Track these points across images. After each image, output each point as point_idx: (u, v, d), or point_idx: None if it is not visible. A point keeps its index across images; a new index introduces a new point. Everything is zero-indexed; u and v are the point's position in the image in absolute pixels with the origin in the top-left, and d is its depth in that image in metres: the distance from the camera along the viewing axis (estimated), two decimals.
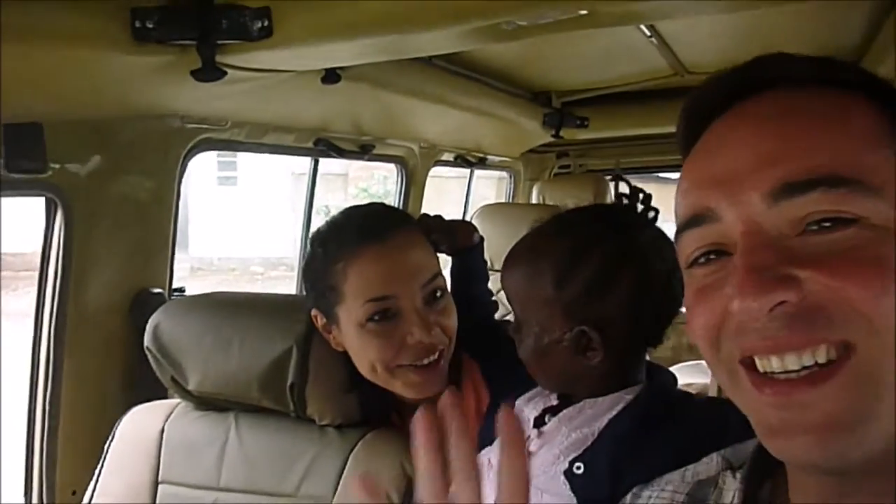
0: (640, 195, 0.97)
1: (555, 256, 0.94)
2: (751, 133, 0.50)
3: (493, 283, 1.33)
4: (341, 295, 1.09)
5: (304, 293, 1.17)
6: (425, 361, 1.09)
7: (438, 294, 1.12)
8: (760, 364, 0.48)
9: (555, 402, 0.97)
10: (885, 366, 0.45)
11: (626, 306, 0.91)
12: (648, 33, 1.84)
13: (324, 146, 2.03)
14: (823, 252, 0.46)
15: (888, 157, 0.47)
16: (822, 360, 0.46)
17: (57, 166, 1.34)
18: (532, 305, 0.95)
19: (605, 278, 0.92)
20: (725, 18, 1.68)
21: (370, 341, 1.08)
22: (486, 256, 1.40)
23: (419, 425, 0.48)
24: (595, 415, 0.93)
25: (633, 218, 0.97)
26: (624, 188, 0.99)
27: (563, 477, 0.89)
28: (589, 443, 0.91)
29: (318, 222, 1.74)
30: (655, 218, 0.97)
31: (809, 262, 0.46)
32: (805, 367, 0.46)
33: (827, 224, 0.46)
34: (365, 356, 1.10)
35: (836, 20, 1.83)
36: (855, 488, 0.50)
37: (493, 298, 1.39)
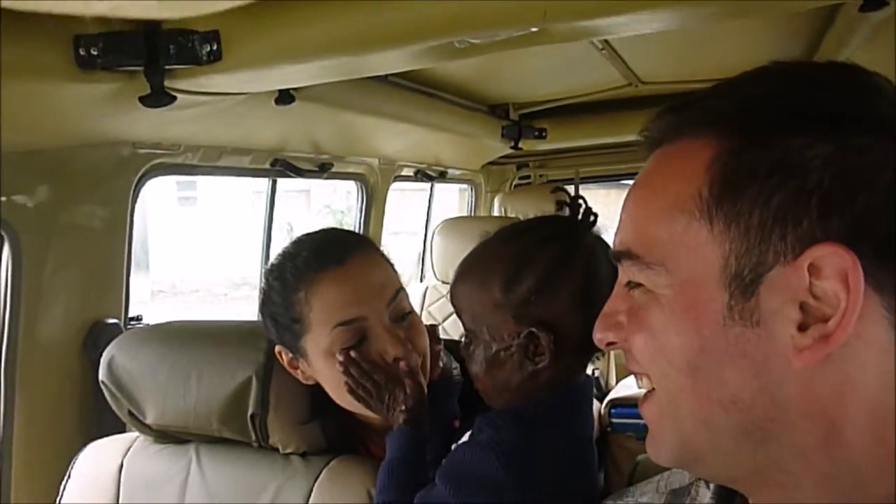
0: (580, 202, 1.00)
1: (501, 261, 0.96)
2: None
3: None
4: (306, 325, 1.05)
5: (266, 328, 1.13)
6: None
7: (406, 311, 1.10)
8: None
9: None
10: (675, 399, 0.54)
11: (573, 306, 0.93)
12: (600, 46, 1.86)
13: (281, 166, 2.01)
14: (630, 307, 0.57)
15: (682, 225, 0.52)
16: (647, 388, 0.57)
17: (3, 199, 1.30)
18: (481, 313, 0.96)
19: (552, 279, 0.93)
20: (675, 30, 1.70)
21: None
22: (448, 271, 1.38)
23: None
24: None
25: (574, 224, 1.00)
26: (564, 196, 1.03)
27: None
28: None
29: (280, 241, 1.72)
30: (594, 223, 1.00)
31: (626, 314, 0.57)
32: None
33: (633, 284, 0.57)
34: (341, 385, 1.04)
35: (782, 30, 1.87)
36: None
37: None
